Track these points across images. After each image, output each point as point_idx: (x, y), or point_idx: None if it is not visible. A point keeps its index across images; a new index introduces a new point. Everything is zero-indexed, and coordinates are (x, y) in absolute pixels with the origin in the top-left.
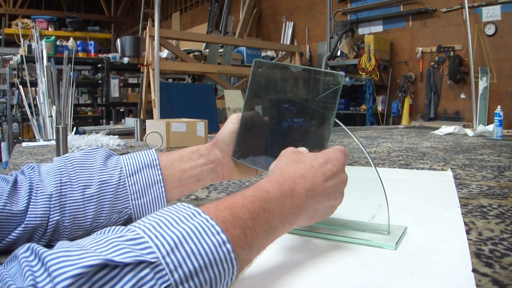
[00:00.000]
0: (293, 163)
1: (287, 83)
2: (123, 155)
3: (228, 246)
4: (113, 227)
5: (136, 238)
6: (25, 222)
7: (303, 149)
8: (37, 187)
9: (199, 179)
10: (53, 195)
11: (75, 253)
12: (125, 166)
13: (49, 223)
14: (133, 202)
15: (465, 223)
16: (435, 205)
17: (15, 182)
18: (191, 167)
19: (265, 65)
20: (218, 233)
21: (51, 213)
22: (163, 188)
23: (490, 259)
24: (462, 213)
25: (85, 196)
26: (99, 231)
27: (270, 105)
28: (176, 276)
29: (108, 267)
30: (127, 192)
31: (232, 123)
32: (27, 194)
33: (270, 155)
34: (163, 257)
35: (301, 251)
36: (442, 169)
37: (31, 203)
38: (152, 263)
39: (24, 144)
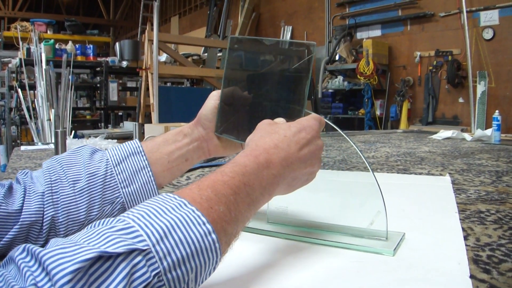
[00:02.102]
0: (267, 134)
1: (262, 56)
2: (108, 148)
3: (213, 236)
4: (104, 220)
5: (126, 227)
6: (20, 221)
7: (280, 120)
8: (29, 188)
9: (187, 159)
10: (45, 193)
11: (70, 249)
12: (110, 157)
13: (44, 220)
14: (123, 190)
15: (463, 229)
16: (433, 211)
17: (10, 187)
18: (177, 148)
19: (240, 40)
20: (204, 224)
21: (45, 209)
22: (150, 173)
23: (488, 265)
24: (460, 219)
25: (76, 190)
26: (91, 225)
27: (248, 79)
28: (165, 263)
29: (102, 258)
30: (116, 181)
31: (213, 99)
32: (22, 195)
33: (251, 128)
34: (153, 245)
35: (298, 257)
36: (440, 174)
37: (25, 202)
38: (144, 250)
39: (22, 147)
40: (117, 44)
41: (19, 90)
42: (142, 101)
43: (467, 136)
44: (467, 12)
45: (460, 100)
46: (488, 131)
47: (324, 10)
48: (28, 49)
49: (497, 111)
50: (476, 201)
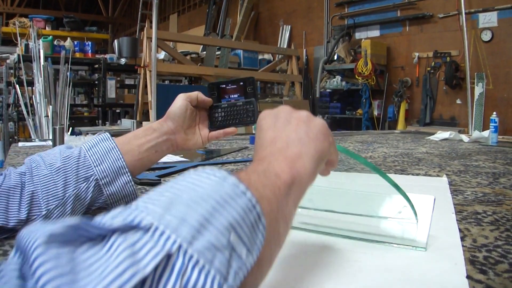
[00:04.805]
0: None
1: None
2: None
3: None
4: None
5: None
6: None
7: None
8: (8, 172)
9: (157, 150)
10: (25, 174)
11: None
12: (83, 145)
13: (26, 193)
14: (96, 168)
15: (460, 230)
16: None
17: None
18: (147, 140)
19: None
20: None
21: (26, 186)
22: (118, 152)
23: (484, 266)
24: (456, 220)
25: (52, 170)
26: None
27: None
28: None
29: None
30: (89, 161)
31: (181, 99)
32: (1, 178)
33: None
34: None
35: (300, 250)
36: (438, 175)
37: (5, 179)
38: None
39: (20, 144)
40: (115, 41)
41: (17, 86)
42: (140, 98)
43: (464, 137)
44: (465, 13)
45: (458, 101)
46: (486, 133)
47: (323, 10)
48: (27, 45)
49: (494, 112)
50: (473, 202)
